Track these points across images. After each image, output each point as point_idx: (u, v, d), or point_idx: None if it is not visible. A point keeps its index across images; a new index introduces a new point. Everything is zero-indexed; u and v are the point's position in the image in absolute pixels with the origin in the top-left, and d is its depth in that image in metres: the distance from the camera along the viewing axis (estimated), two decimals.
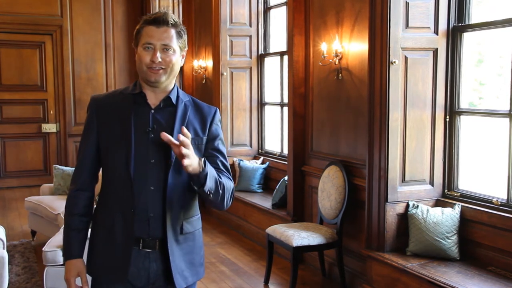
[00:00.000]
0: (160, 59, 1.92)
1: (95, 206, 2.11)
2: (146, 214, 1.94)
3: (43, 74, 8.67)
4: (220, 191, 1.94)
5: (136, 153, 1.93)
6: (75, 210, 2.03)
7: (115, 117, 1.98)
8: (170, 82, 2.01)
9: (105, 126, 1.99)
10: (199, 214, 2.12)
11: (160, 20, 1.92)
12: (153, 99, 2.00)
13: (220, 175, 1.99)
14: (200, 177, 1.83)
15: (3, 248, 3.73)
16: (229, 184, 2.02)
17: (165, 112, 1.99)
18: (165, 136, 1.78)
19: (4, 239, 3.83)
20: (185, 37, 2.00)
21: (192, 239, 2.05)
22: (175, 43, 1.95)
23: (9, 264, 3.72)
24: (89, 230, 2.10)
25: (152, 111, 1.98)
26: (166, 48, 1.93)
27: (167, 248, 1.97)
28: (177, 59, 1.97)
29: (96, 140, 2.01)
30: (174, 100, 2.01)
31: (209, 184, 1.86)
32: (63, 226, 2.15)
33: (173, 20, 1.94)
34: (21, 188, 8.35)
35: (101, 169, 2.08)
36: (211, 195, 1.89)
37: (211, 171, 1.89)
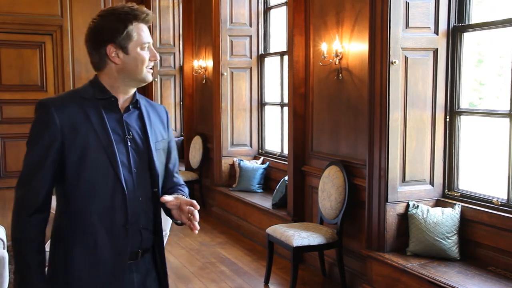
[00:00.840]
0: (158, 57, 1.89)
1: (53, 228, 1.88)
2: (138, 226, 1.85)
3: (43, 74, 8.67)
4: None
5: (120, 162, 1.80)
6: (32, 236, 1.79)
7: (86, 124, 1.77)
8: None
9: (73, 136, 1.75)
10: None
11: (148, 18, 1.84)
12: (121, 102, 1.87)
13: (183, 190, 1.97)
14: None
15: (3, 248, 3.73)
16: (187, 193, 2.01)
17: (133, 115, 1.88)
18: (164, 199, 1.77)
19: (4, 239, 3.82)
20: None
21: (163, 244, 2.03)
22: None
23: (9, 264, 3.71)
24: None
25: (124, 115, 1.85)
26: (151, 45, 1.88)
27: (159, 255, 1.95)
28: None
29: (57, 152, 1.75)
30: (138, 103, 1.91)
31: None
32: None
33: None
34: None
35: (56, 186, 1.84)
36: None
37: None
